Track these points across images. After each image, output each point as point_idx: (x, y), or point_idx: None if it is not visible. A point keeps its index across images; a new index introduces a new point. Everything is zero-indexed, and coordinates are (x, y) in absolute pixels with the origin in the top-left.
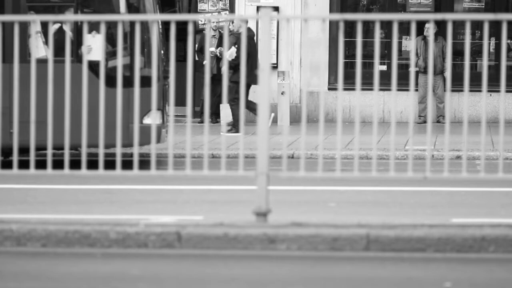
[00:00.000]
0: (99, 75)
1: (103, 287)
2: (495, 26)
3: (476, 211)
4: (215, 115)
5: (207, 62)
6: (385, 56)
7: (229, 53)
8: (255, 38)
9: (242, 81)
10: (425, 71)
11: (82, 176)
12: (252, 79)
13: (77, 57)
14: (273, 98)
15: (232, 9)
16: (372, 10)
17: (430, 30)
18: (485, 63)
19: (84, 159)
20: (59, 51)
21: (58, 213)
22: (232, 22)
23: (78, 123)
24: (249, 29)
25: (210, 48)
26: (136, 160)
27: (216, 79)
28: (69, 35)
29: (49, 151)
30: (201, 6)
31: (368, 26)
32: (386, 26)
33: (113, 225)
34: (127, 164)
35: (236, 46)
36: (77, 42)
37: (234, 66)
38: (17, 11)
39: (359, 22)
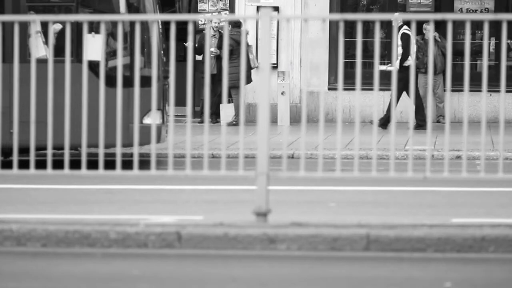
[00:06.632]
0: (99, 75)
1: (103, 287)
2: (495, 26)
3: (476, 211)
4: (215, 115)
5: (206, 61)
6: (385, 56)
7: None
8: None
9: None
10: (425, 71)
11: (82, 176)
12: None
13: (77, 57)
14: (273, 98)
15: (232, 9)
16: (372, 10)
17: (430, 32)
18: (485, 63)
19: (84, 159)
20: (59, 51)
21: (58, 213)
22: (233, 24)
23: (78, 123)
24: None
25: (210, 48)
26: (136, 160)
27: (216, 79)
28: (69, 35)
29: (49, 151)
30: (201, 6)
31: (368, 26)
32: (386, 26)
33: (113, 225)
34: (127, 164)
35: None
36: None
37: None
38: (17, 11)
39: (359, 22)
